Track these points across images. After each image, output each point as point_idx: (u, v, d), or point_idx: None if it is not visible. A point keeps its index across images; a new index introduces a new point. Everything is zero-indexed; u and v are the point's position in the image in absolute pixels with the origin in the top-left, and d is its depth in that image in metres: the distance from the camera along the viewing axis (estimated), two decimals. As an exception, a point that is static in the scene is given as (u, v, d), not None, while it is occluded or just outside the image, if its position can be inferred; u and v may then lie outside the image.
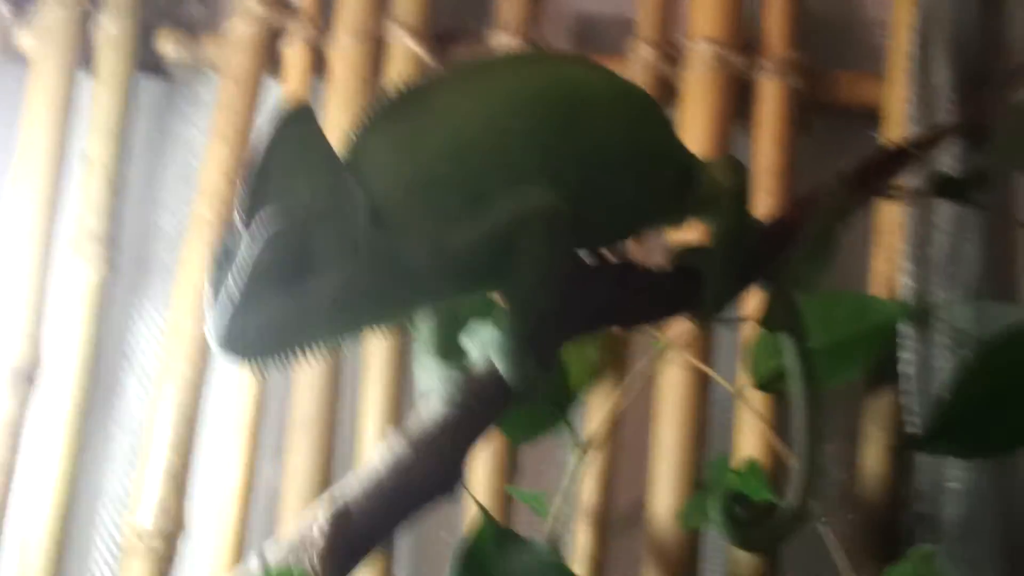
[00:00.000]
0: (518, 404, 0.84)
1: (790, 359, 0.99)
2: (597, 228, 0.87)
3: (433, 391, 0.84)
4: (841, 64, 1.37)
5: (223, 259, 0.75)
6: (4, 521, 1.27)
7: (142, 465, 1.27)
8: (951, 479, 1.13)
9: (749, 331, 1.18)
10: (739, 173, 0.93)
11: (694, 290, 0.91)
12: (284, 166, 0.76)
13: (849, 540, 1.15)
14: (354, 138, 0.81)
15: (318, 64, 1.37)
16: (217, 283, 0.74)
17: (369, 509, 0.80)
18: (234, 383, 1.29)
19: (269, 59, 1.38)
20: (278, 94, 1.38)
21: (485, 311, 0.87)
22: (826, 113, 1.35)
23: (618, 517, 1.25)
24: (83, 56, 1.39)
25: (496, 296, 0.86)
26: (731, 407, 1.23)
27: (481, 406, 0.83)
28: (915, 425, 1.16)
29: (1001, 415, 0.92)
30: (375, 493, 0.80)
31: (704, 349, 1.24)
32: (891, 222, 1.24)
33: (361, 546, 0.80)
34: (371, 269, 0.76)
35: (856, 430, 1.23)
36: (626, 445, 1.24)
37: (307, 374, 1.28)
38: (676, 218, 0.94)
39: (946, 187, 1.01)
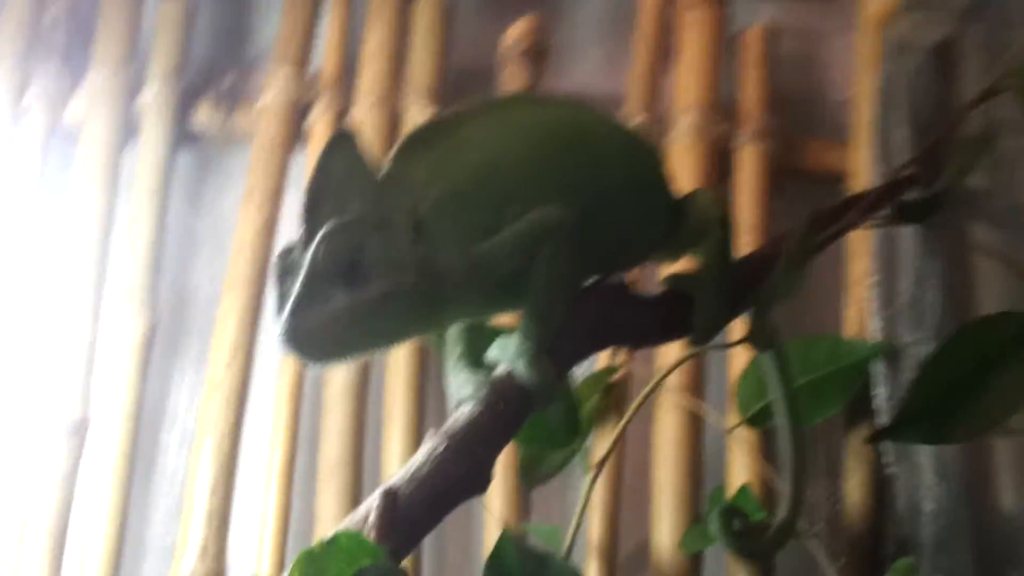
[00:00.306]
0: (539, 407, 0.91)
1: (772, 380, 1.06)
2: (598, 256, 0.95)
3: (464, 398, 0.91)
4: (809, 133, 1.49)
5: (285, 272, 0.83)
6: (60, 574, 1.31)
7: (186, 515, 1.30)
8: (927, 499, 1.19)
9: (737, 369, 1.26)
10: (723, 204, 1.02)
11: (686, 314, 0.99)
12: (335, 185, 0.85)
13: (837, 560, 1.22)
14: (391, 162, 0.89)
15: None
16: (281, 292, 0.83)
17: (411, 494, 0.86)
18: (267, 433, 1.34)
19: (297, 126, 1.46)
20: (306, 159, 1.45)
21: (508, 331, 0.94)
22: (796, 178, 1.46)
23: (626, 556, 1.30)
24: (127, 124, 1.47)
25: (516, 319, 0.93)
26: (724, 442, 1.31)
27: (507, 409, 0.90)
28: (889, 459, 1.23)
29: (962, 403, 0.99)
30: (416, 480, 0.87)
31: (696, 387, 1.32)
32: (861, 273, 1.34)
33: (408, 528, 0.86)
34: (414, 275, 0.85)
35: (838, 466, 1.30)
36: (628, 486, 1.31)
37: (333, 422, 1.34)
38: (668, 249, 1.02)
39: (905, 212, 1.08)
